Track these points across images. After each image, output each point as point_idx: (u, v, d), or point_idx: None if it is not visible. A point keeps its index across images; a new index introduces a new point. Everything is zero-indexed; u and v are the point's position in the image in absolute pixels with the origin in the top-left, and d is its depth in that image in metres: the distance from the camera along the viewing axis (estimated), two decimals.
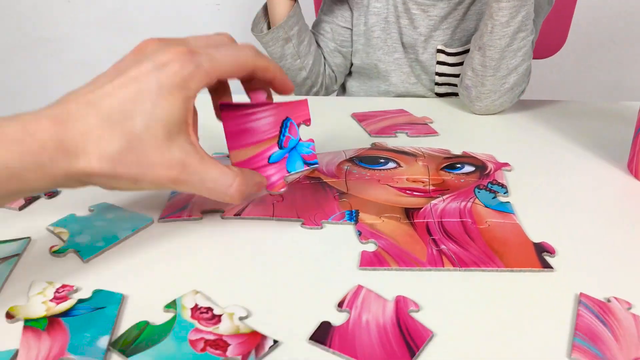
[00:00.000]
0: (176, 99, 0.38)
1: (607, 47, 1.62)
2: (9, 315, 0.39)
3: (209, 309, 0.41)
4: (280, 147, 0.49)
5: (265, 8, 0.90)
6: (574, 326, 0.38)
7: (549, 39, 0.93)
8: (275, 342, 0.38)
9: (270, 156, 0.49)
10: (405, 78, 0.93)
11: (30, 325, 0.38)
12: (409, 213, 0.53)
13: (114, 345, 0.37)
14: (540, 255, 0.47)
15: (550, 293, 0.43)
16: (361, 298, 0.42)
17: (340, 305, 0.41)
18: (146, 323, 0.39)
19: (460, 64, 0.88)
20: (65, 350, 0.36)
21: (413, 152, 0.65)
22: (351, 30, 0.95)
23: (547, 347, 0.37)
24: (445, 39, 0.89)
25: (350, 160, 0.64)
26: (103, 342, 0.37)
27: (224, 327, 0.39)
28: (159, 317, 0.40)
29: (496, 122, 0.77)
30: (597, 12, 1.53)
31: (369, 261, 0.46)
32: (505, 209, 0.54)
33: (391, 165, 0.63)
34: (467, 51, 0.85)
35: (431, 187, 0.58)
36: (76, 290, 0.42)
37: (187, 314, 0.40)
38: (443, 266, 0.46)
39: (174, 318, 0.40)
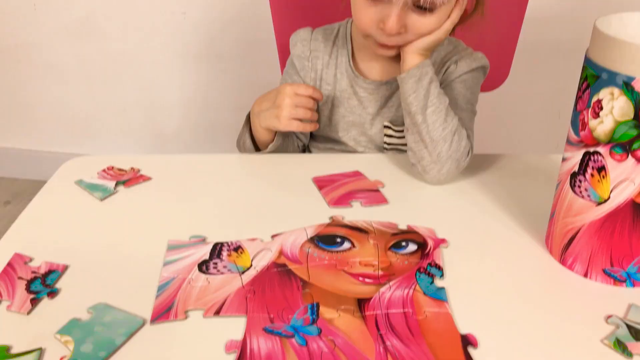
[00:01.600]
0: None
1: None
2: None
3: None
4: None
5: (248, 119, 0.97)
6: None
7: (492, 72, 1.01)
8: None
9: None
10: (354, 146, 1.02)
11: None
12: (361, 305, 0.64)
13: None
14: (466, 350, 0.58)
15: None
16: None
17: None
18: None
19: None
20: None
21: (365, 229, 0.76)
22: None
23: None
24: (390, 116, 0.97)
25: (312, 240, 0.74)
26: None
27: None
28: None
29: (437, 189, 0.87)
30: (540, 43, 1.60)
31: None
32: (439, 297, 0.65)
33: (346, 245, 0.73)
34: None
35: (380, 272, 0.68)
36: None
37: None
38: None
39: None
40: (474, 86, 0.96)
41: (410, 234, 0.75)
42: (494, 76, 1.10)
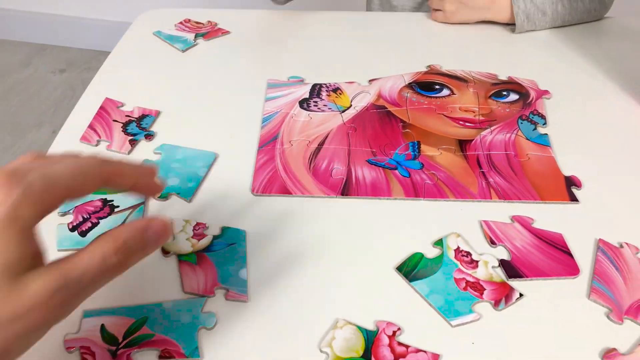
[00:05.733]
0: (9, 235, 0.31)
1: None
2: (165, 251, 0.52)
3: (468, 253, 0.52)
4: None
5: None
6: (593, 270, 0.51)
7: None
8: (521, 294, 0.49)
9: None
10: None
11: (184, 260, 0.52)
12: (462, 145, 0.64)
13: (399, 269, 0.51)
14: (569, 189, 0.59)
15: (575, 226, 0.55)
16: (499, 231, 0.54)
17: (493, 242, 0.53)
18: (422, 255, 0.52)
19: None
20: (217, 280, 0.50)
21: (464, 77, 0.74)
22: None
23: (570, 286, 0.50)
24: None
25: (409, 86, 0.73)
26: (243, 274, 0.50)
27: (481, 273, 0.51)
28: (430, 251, 0.52)
29: (537, 44, 0.84)
30: None
31: (431, 193, 0.58)
32: (543, 142, 0.65)
33: (445, 92, 0.72)
34: None
35: (480, 117, 0.68)
36: (208, 227, 0.55)
37: (451, 254, 0.52)
38: (491, 198, 0.58)
39: (441, 255, 0.52)
40: None
41: (511, 85, 0.74)
42: None
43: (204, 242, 0.53)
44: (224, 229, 0.55)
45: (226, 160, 0.63)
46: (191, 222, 0.55)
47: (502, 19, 0.84)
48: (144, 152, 0.64)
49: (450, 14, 0.86)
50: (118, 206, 0.57)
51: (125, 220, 0.55)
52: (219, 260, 0.52)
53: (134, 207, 0.57)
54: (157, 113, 0.70)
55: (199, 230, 0.54)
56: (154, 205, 0.57)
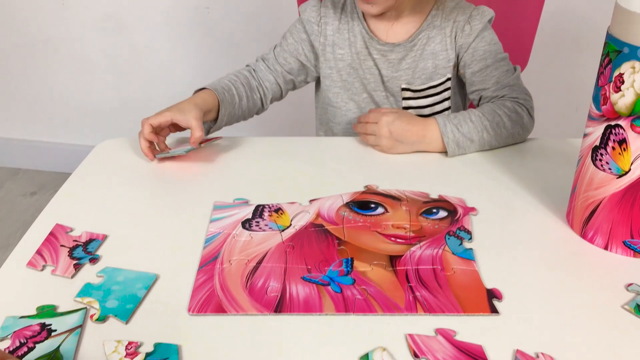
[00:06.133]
0: None
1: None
2: None
3: None
4: None
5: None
6: None
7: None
8: None
9: None
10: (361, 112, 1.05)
11: None
12: (393, 260, 0.68)
13: None
14: (491, 301, 0.62)
15: (495, 337, 0.58)
16: (422, 345, 0.57)
17: (416, 355, 0.56)
18: None
19: (425, 97, 1.01)
20: None
21: (398, 196, 0.80)
22: (306, 68, 1.07)
23: None
24: (407, 78, 1.01)
25: (347, 205, 0.78)
26: None
27: None
28: None
29: (467, 165, 0.90)
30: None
31: (361, 307, 0.61)
32: (468, 256, 0.69)
33: (380, 210, 0.77)
34: (430, 87, 1.00)
35: (411, 234, 0.73)
36: (140, 345, 0.57)
37: None
38: (417, 312, 0.61)
39: None
40: (493, 37, 0.99)
41: (441, 202, 0.79)
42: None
43: None
44: (156, 345, 0.56)
45: (167, 280, 0.66)
46: (123, 342, 0.57)
47: (434, 149, 0.92)
48: (87, 275, 0.67)
49: (387, 149, 0.92)
50: (55, 330, 0.58)
51: (61, 344, 0.57)
52: None
53: (70, 330, 0.58)
54: (104, 237, 0.73)
55: (131, 349, 0.56)
56: (90, 328, 0.60)
